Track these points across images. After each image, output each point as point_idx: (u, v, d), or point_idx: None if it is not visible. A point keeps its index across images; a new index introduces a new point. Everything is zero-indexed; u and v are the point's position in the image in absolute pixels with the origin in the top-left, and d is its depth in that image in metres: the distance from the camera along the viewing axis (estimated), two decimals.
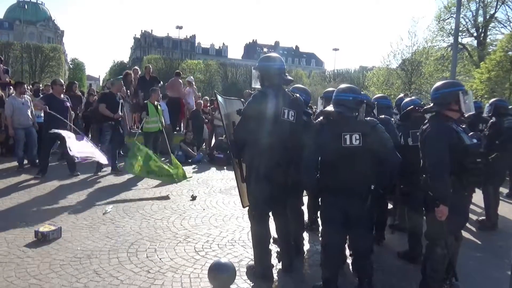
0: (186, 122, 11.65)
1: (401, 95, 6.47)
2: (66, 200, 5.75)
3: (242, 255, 4.05)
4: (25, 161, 8.17)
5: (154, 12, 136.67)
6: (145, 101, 8.68)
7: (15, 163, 8.21)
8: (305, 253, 4.22)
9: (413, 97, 5.07)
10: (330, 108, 3.19)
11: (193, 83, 13.39)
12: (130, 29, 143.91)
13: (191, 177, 7.63)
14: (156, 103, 8.40)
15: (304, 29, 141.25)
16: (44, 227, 4.26)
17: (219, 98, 3.81)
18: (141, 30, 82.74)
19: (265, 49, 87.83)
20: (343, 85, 3.30)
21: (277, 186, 3.43)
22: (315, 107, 5.41)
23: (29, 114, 8.07)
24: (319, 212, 3.91)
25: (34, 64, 45.21)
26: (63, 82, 8.17)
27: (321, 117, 3.29)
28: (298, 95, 3.64)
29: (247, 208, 3.68)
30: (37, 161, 8.16)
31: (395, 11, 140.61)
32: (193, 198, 6.20)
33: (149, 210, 5.45)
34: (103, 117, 7.79)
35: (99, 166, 7.79)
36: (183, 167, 8.62)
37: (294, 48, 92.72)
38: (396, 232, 5.01)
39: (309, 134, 3.27)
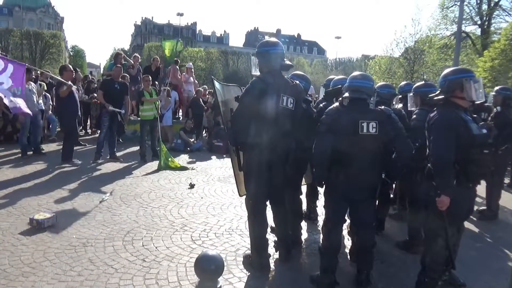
0: (186, 110, 11.55)
1: (403, 83, 6.31)
2: (63, 187, 5.70)
3: (239, 244, 4.01)
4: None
5: None
6: (140, 89, 8.58)
7: (14, 150, 8.15)
8: (303, 243, 4.18)
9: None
10: (346, 94, 3.14)
11: (192, 70, 13.24)
12: (130, 16, 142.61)
13: (193, 168, 7.56)
14: (151, 89, 8.30)
15: (306, 17, 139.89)
16: (39, 215, 4.22)
17: (216, 84, 3.72)
18: (142, 17, 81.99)
19: (266, 37, 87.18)
20: (357, 73, 3.29)
21: (275, 174, 3.37)
22: (316, 96, 5.29)
23: (35, 101, 7.98)
24: (320, 202, 3.86)
25: (34, 51, 44.90)
26: (72, 68, 8.13)
27: (336, 104, 3.21)
28: (297, 82, 3.55)
29: (244, 197, 3.62)
30: (43, 150, 8.14)
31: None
32: (191, 186, 6.14)
33: (147, 198, 5.40)
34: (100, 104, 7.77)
35: (97, 153, 7.73)
36: (183, 155, 8.66)
37: (296, 36, 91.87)
38: (394, 222, 4.98)
39: (320, 122, 3.19)
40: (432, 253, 3.08)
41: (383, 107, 3.21)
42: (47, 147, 8.77)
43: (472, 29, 25.19)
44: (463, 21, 21.52)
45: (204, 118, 11.39)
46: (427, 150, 3.05)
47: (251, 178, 3.39)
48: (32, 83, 8.20)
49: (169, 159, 7.52)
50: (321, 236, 3.32)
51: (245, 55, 54.19)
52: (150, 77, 8.54)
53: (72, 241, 3.82)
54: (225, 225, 4.54)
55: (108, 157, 7.87)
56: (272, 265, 3.53)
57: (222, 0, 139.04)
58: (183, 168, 7.48)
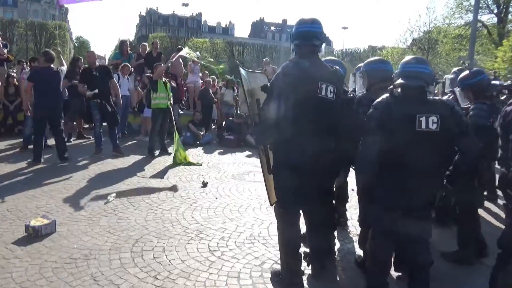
0: (193, 101, 10.98)
1: (455, 69, 5.66)
2: (63, 187, 5.21)
3: (264, 255, 3.49)
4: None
5: None
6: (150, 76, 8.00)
7: (14, 143, 7.68)
8: (337, 253, 3.65)
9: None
10: (399, 81, 2.58)
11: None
12: (135, 6, 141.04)
13: (201, 164, 7.03)
14: (164, 79, 7.72)
15: (312, 7, 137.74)
16: (36, 220, 3.72)
17: (242, 71, 3.16)
18: (147, 8, 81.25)
19: (272, 28, 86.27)
20: (410, 57, 2.71)
21: (311, 178, 2.81)
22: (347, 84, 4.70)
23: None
24: (362, 214, 3.34)
25: (39, 42, 44.51)
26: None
27: (386, 94, 2.64)
28: (337, 67, 2.98)
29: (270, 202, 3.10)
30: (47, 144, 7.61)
31: None
32: (204, 184, 5.63)
33: (156, 199, 4.89)
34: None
35: (97, 147, 7.23)
36: (192, 149, 8.13)
37: None
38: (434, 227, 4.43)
39: (366, 117, 2.64)
40: (505, 273, 2.54)
41: (444, 98, 2.65)
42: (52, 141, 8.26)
43: (487, 18, 24.29)
44: (479, 10, 20.69)
45: (214, 110, 10.83)
46: (499, 152, 2.51)
47: (282, 183, 2.85)
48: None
49: (182, 152, 6.96)
50: (358, 247, 2.80)
51: (251, 45, 53.46)
52: (161, 64, 7.94)
53: (72, 253, 3.32)
54: (245, 231, 4.01)
55: (112, 150, 7.37)
56: (305, 283, 3.01)
57: None
58: (192, 164, 6.95)
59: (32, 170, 6.05)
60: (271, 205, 3.23)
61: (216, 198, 5.07)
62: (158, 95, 7.53)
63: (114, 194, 4.91)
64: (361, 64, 4.56)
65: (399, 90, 2.62)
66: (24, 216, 4.05)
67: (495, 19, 24.23)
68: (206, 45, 48.51)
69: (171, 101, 7.74)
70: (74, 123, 9.11)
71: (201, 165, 6.97)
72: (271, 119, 2.72)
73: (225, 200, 5.03)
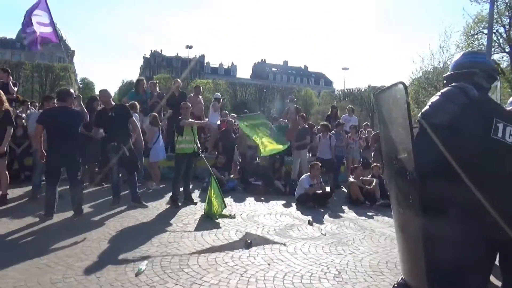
0: (215, 143, 10.20)
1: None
2: (81, 251, 4.26)
3: None
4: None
5: (163, 32, 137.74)
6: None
7: (21, 192, 6.82)
8: None
9: None
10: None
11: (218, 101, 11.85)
12: (139, 49, 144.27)
13: (234, 216, 6.14)
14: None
15: (312, 48, 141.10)
16: None
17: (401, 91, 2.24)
18: (151, 50, 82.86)
19: (273, 69, 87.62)
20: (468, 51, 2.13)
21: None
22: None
23: None
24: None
25: (45, 83, 44.80)
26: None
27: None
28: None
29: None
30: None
31: (403, 30, 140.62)
32: (248, 245, 4.71)
33: (197, 268, 3.95)
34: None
35: (115, 196, 6.37)
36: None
37: (303, 67, 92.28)
38: None
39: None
40: None
41: None
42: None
43: (499, 56, 24.19)
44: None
45: (235, 152, 10.03)
46: None
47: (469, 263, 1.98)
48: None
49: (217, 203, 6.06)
50: None
51: (253, 86, 54.05)
52: (190, 104, 7.18)
53: None
54: None
55: (131, 200, 6.49)
56: None
57: (230, 32, 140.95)
58: (225, 216, 6.06)
59: (43, 227, 5.13)
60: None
61: (269, 265, 4.13)
62: (184, 138, 6.76)
63: (145, 262, 3.96)
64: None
65: None
66: None
67: (507, 57, 24.10)
68: (209, 85, 48.83)
69: (198, 145, 6.95)
70: (86, 166, 8.27)
71: (234, 217, 6.09)
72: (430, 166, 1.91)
73: (279, 267, 4.10)
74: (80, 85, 59.38)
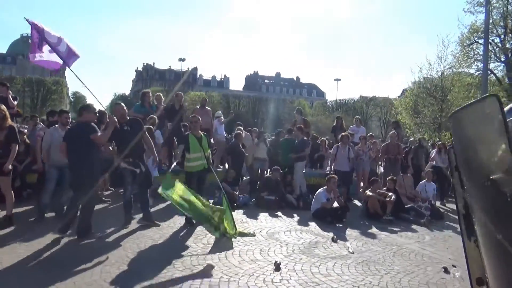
0: (222, 157, 9.92)
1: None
2: (101, 279, 3.91)
3: None
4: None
5: (156, 45, 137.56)
6: (186, 133, 6.91)
7: (24, 210, 6.44)
8: None
9: None
10: None
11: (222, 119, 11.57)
12: (132, 62, 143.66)
13: (254, 234, 5.82)
14: (201, 133, 6.62)
15: (304, 60, 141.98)
16: None
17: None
18: (143, 63, 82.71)
19: (266, 80, 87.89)
20: None
21: None
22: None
23: None
24: None
25: (36, 98, 44.19)
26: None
27: None
28: None
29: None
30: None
31: (396, 41, 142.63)
32: (277, 267, 4.42)
33: None
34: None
35: (127, 215, 6.04)
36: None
37: (295, 79, 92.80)
38: None
39: None
40: None
41: None
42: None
43: (494, 65, 24.41)
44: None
45: (244, 166, 9.74)
46: None
47: None
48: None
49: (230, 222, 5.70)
50: None
51: (246, 98, 54.11)
52: (199, 117, 6.86)
53: None
54: None
55: (142, 219, 6.16)
56: None
57: (222, 44, 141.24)
58: (245, 234, 5.74)
59: (55, 251, 4.76)
60: None
61: None
62: (191, 156, 6.39)
63: None
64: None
65: None
66: None
67: (502, 66, 24.33)
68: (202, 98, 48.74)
69: (210, 160, 6.63)
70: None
71: (254, 235, 5.78)
72: None
73: None
74: (72, 99, 58.91)
